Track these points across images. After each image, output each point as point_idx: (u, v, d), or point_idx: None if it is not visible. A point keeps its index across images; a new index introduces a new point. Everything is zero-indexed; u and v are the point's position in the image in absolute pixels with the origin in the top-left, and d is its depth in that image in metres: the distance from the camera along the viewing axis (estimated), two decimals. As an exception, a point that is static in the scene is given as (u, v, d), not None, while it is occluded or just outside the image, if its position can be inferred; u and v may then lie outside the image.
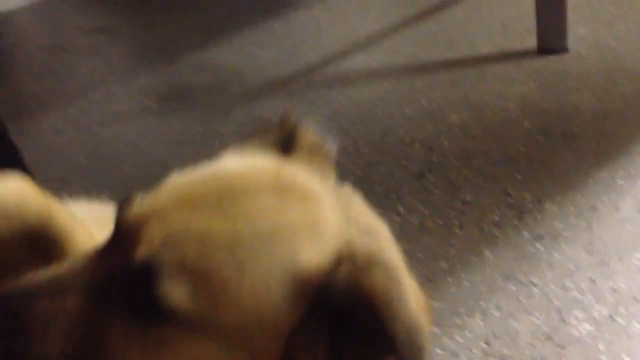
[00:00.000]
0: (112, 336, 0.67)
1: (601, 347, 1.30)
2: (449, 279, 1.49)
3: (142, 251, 0.65)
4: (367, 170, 1.91)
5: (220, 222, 0.65)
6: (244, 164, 0.74)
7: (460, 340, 1.36)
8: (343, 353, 0.67)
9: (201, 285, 0.63)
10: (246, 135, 0.84)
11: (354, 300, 0.65)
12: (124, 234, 0.69)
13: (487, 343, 1.34)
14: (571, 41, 2.39)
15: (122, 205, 0.72)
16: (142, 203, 0.70)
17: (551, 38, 2.39)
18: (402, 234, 0.77)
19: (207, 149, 1.87)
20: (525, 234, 1.59)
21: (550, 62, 2.34)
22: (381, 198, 1.76)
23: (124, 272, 0.66)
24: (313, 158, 0.78)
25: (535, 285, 1.45)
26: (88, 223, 0.90)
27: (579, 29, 2.46)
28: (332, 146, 0.83)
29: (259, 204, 0.67)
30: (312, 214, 0.69)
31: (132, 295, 0.66)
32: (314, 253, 0.66)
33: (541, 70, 2.31)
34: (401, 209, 1.73)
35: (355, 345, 0.66)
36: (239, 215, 0.66)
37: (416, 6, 2.91)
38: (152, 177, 0.72)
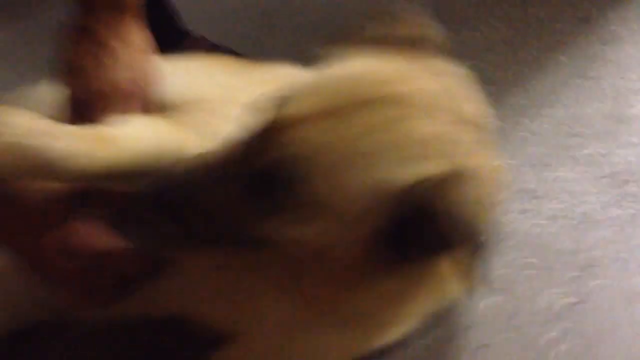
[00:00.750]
0: (251, 216, 0.85)
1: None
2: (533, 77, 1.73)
3: (291, 150, 0.82)
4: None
5: (348, 131, 0.80)
6: (375, 69, 0.87)
7: (546, 126, 1.62)
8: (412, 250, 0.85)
9: (329, 182, 0.80)
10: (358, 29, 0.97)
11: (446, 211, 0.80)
12: (275, 132, 0.84)
13: (569, 126, 1.59)
14: None
15: (277, 106, 0.86)
16: (292, 105, 0.84)
17: None
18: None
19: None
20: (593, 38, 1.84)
21: None
22: (453, 17, 1.90)
23: (273, 165, 0.83)
24: (428, 53, 0.92)
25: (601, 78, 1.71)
26: None
27: None
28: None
29: (383, 116, 0.81)
30: (421, 128, 0.82)
31: (275, 184, 0.83)
32: (412, 167, 0.81)
33: None
34: (481, 26, 1.91)
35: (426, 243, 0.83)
36: (365, 125, 0.81)
37: None
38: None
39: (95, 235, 0.93)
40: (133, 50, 1.02)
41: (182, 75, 1.11)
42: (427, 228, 0.80)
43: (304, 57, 1.00)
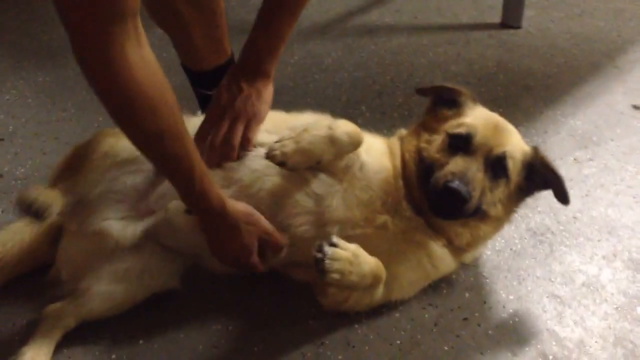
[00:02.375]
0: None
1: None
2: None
3: (499, 150, 1.66)
4: (406, 98, 2.66)
5: (514, 140, 1.70)
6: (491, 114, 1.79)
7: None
8: (546, 186, 1.76)
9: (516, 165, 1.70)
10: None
11: (542, 165, 1.73)
12: (482, 141, 1.65)
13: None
14: (523, 21, 3.31)
15: (470, 130, 1.68)
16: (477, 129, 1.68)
17: (512, 17, 3.27)
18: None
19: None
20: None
21: (510, 35, 3.23)
22: (421, 117, 2.38)
23: (493, 159, 1.66)
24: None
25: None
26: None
27: (527, 12, 3.34)
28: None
29: (516, 135, 1.74)
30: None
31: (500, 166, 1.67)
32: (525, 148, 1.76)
33: (506, 40, 3.18)
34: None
35: (546, 181, 1.74)
36: (515, 137, 1.73)
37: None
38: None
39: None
40: (258, 95, 1.74)
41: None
42: (540, 175, 1.72)
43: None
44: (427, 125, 1.79)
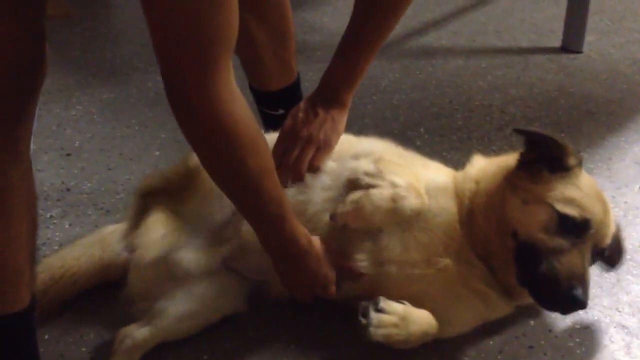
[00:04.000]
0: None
1: None
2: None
3: (608, 240, 1.58)
4: (465, 121, 2.67)
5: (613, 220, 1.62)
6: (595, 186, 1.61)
7: None
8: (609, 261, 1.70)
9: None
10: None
11: (616, 240, 1.64)
12: (596, 229, 1.51)
13: None
14: (584, 46, 3.28)
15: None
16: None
17: (572, 41, 3.24)
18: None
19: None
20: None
21: (571, 60, 3.19)
22: (479, 141, 2.48)
23: (598, 250, 1.57)
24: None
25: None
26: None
27: (588, 37, 3.30)
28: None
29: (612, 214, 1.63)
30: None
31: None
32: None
33: (566, 65, 3.14)
34: (494, 148, 2.48)
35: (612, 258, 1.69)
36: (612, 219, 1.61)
37: (465, -1, 3.85)
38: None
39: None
40: (333, 122, 1.73)
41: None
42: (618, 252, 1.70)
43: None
44: (517, 184, 1.58)
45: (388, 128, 2.60)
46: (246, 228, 1.58)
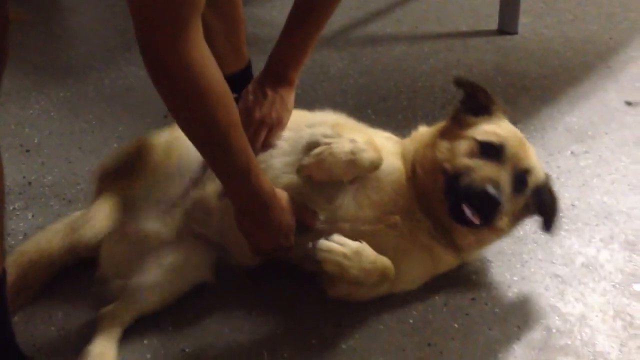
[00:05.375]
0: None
1: None
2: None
3: (527, 163, 1.73)
4: (410, 102, 2.80)
5: (536, 159, 1.77)
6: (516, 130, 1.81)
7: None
8: (543, 211, 1.82)
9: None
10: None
11: (547, 191, 1.81)
12: (512, 153, 1.70)
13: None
14: (519, 27, 3.45)
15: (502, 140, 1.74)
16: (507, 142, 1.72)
17: (508, 24, 3.41)
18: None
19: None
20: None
21: (507, 41, 3.36)
22: (424, 118, 2.41)
23: (518, 172, 1.72)
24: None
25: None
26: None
27: (522, 19, 3.46)
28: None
29: (534, 151, 1.79)
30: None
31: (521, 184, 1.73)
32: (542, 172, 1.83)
33: (503, 45, 3.31)
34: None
35: (545, 208, 1.82)
36: (536, 156, 1.78)
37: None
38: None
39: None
40: (282, 101, 1.84)
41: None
42: (540, 201, 1.80)
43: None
44: (448, 131, 1.81)
45: (338, 111, 2.71)
46: (209, 189, 1.73)
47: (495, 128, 1.77)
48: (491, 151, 1.71)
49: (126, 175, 1.80)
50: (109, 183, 1.82)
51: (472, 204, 1.66)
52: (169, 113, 1.52)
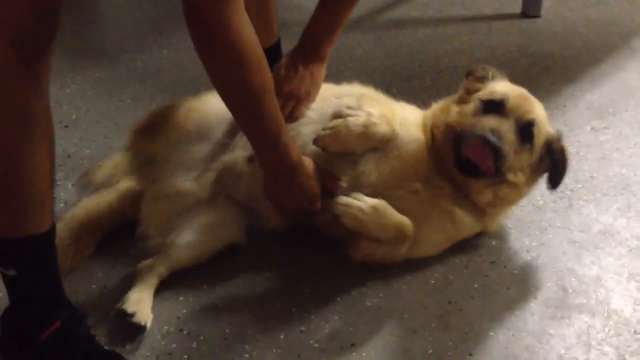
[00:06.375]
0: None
1: None
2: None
3: (530, 115, 1.82)
4: (434, 81, 2.89)
5: (542, 112, 1.87)
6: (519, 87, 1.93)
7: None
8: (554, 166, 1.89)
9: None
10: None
11: (558, 147, 1.88)
12: (514, 106, 1.81)
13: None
14: (542, 11, 3.51)
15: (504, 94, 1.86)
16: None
17: (531, 7, 3.47)
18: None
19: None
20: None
21: (530, 23, 3.43)
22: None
23: (522, 124, 1.81)
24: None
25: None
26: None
27: (545, 2, 3.54)
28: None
29: (542, 109, 1.90)
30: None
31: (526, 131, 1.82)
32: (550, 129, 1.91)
33: (526, 28, 3.38)
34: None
35: (555, 163, 1.88)
36: (542, 109, 1.88)
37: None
38: None
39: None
40: (312, 76, 1.93)
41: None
42: (553, 158, 1.87)
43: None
44: (459, 99, 1.94)
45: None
46: (238, 154, 1.84)
47: (497, 87, 1.90)
48: (493, 107, 1.82)
49: (153, 134, 1.92)
50: (138, 139, 1.94)
51: (474, 150, 1.75)
52: (208, 76, 1.59)
